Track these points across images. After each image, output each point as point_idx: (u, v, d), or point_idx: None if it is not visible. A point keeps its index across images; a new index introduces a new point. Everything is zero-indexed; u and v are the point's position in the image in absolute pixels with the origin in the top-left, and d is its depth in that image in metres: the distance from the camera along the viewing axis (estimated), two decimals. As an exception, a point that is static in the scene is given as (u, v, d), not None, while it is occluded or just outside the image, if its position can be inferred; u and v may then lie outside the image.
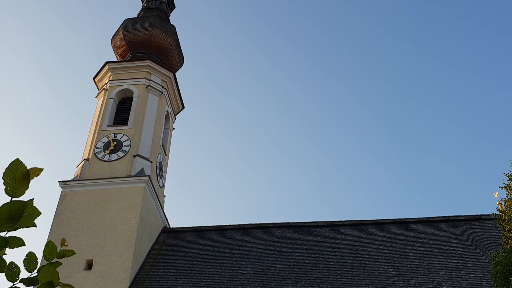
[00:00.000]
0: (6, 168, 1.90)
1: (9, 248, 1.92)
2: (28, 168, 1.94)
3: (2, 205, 1.82)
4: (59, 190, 17.65)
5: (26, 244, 1.95)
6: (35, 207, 1.96)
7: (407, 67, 51.07)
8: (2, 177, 1.88)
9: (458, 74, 49.60)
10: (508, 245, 10.29)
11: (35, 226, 1.93)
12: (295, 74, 53.45)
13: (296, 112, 52.47)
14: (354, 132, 51.25)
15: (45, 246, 1.91)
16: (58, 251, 2.09)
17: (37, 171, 2.01)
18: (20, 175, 1.88)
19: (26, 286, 1.98)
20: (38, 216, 1.98)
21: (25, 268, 2.02)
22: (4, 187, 1.89)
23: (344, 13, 53.05)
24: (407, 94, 50.73)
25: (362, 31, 52.33)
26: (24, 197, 1.93)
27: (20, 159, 1.91)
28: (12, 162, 1.90)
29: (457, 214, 18.34)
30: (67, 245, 2.33)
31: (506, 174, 10.89)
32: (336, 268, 15.44)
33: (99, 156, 18.64)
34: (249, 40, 55.16)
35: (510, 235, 10.26)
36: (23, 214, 1.84)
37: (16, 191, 1.88)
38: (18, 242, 1.93)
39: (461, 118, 49.36)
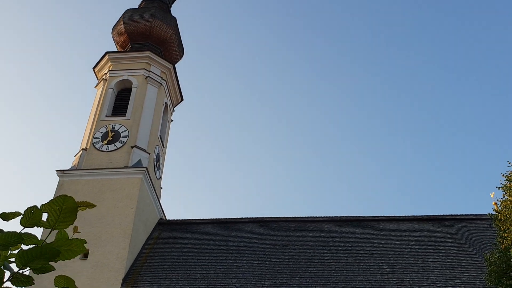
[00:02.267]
0: (52, 199, 1.82)
1: (24, 244, 1.86)
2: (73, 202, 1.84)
3: (33, 248, 1.74)
4: (56, 179, 17.65)
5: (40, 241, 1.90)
6: (79, 242, 1.88)
7: (406, 64, 51.03)
8: (47, 207, 1.80)
9: (456, 74, 49.60)
10: (503, 245, 10.35)
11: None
12: (295, 68, 53.38)
13: (294, 107, 52.46)
14: (352, 129, 51.31)
15: (57, 233, 1.86)
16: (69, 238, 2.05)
17: (90, 205, 1.96)
18: (67, 208, 1.80)
19: (36, 273, 1.94)
20: (82, 253, 1.92)
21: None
22: (47, 216, 1.81)
23: None
24: (404, 92, 50.74)
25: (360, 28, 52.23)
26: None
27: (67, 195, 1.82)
28: (59, 196, 1.82)
29: (453, 213, 18.43)
30: (79, 232, 2.29)
31: (503, 175, 10.94)
32: (331, 263, 15.50)
33: (97, 146, 18.62)
34: (250, 33, 55.04)
35: (505, 235, 10.31)
36: (58, 256, 1.76)
37: (58, 224, 1.81)
38: (33, 240, 1.85)
39: (458, 118, 49.43)
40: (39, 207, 1.83)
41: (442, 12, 49.10)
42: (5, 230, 1.84)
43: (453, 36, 49.65)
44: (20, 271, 1.83)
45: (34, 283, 1.90)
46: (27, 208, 1.81)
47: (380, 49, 51.40)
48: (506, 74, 48.36)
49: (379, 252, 16.01)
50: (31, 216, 1.81)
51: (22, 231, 1.83)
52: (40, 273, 1.91)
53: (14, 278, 1.84)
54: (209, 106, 52.62)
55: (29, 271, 1.89)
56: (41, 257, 1.73)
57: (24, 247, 1.78)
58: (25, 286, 1.86)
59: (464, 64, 49.68)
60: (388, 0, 50.28)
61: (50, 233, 1.81)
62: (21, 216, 1.83)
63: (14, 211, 1.89)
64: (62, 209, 1.80)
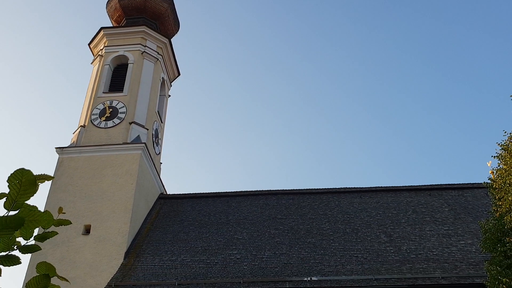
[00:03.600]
0: (11, 174, 1.86)
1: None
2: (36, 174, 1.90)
3: None
4: (56, 156, 17.76)
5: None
6: (42, 213, 1.94)
7: (405, 29, 50.57)
8: (7, 181, 1.85)
9: (456, 41, 49.21)
10: (498, 213, 10.52)
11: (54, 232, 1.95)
12: (292, 38, 52.88)
13: (292, 79, 52.21)
14: (348, 99, 51.18)
15: (6, 198, 1.93)
16: (55, 219, 2.13)
17: (48, 178, 2.01)
18: (26, 181, 1.86)
19: (22, 253, 1.99)
20: (47, 223, 1.98)
21: (21, 236, 2.06)
22: (8, 190, 1.86)
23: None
24: (403, 60, 50.41)
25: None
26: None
27: (25, 168, 1.87)
28: (16, 170, 1.87)
29: (450, 183, 18.62)
30: (64, 213, 2.36)
31: (499, 144, 11.01)
32: (329, 233, 15.77)
33: (95, 123, 18.66)
34: (246, 4, 54.27)
35: (500, 203, 10.47)
36: (22, 225, 1.83)
37: (20, 196, 1.87)
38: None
39: (455, 86, 49.27)
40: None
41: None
42: None
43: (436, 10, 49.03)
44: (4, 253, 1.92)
45: (21, 263, 1.98)
46: (7, 196, 1.87)
47: (388, 11, 50.82)
48: (506, 45, 47.98)
49: (376, 222, 16.27)
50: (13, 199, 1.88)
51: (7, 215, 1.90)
52: (27, 253, 1.99)
53: (2, 258, 1.92)
54: (207, 80, 52.37)
55: (16, 251, 1.98)
56: (7, 227, 1.80)
57: None
58: (13, 265, 1.95)
59: (467, 30, 49.23)
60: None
61: (12, 205, 1.88)
62: (5, 200, 1.90)
63: (3, 192, 1.95)
64: (22, 182, 1.86)
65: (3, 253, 1.96)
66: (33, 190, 1.87)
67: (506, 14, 47.19)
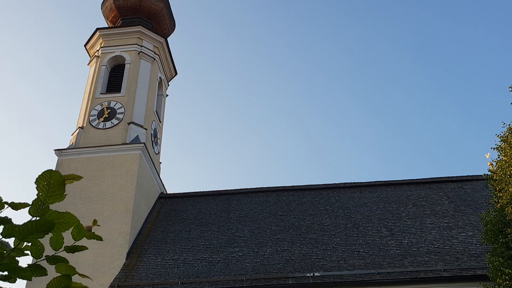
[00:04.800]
0: (39, 175, 1.84)
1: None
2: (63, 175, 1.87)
3: (28, 222, 1.78)
4: (55, 158, 17.74)
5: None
6: (71, 215, 1.93)
7: (402, 25, 50.55)
8: (35, 183, 1.82)
9: (453, 33, 49.21)
10: (499, 204, 10.54)
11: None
12: (289, 37, 52.82)
13: (289, 76, 52.18)
14: (346, 94, 51.21)
15: (35, 200, 1.91)
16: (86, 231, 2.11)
17: (76, 177, 2.00)
18: (54, 182, 1.83)
19: (49, 264, 1.98)
20: (75, 224, 1.95)
21: (51, 245, 2.03)
22: (37, 192, 1.84)
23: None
24: (400, 54, 50.42)
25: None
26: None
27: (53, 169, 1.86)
28: (44, 171, 1.85)
29: (449, 175, 18.66)
30: (99, 225, 2.34)
31: (498, 135, 11.04)
32: (330, 229, 15.79)
33: (94, 124, 18.63)
34: (242, 2, 54.17)
35: (501, 194, 10.50)
36: (52, 228, 1.81)
37: (49, 198, 1.85)
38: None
39: (454, 79, 49.29)
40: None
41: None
42: (13, 219, 1.90)
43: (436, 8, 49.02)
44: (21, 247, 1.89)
45: (47, 275, 1.98)
46: (35, 199, 1.86)
47: (384, 7, 50.79)
48: (502, 37, 48.01)
49: (377, 217, 16.30)
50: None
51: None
52: (53, 264, 1.98)
53: (30, 268, 1.91)
54: (204, 79, 52.31)
55: (44, 260, 1.97)
56: (37, 230, 1.79)
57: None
58: (40, 276, 1.95)
59: (463, 23, 49.21)
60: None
61: (41, 207, 1.86)
62: (30, 206, 1.88)
63: (22, 202, 1.93)
64: (50, 183, 1.84)
65: (32, 262, 1.95)
66: (61, 191, 1.85)
67: (503, 8, 47.20)
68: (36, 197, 1.84)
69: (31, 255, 1.98)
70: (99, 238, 2.10)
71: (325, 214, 16.80)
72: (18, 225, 1.80)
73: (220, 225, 16.72)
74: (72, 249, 2.03)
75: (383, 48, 50.38)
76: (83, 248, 2.07)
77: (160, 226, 16.97)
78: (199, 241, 15.76)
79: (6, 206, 1.90)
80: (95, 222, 2.27)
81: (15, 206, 1.90)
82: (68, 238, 2.06)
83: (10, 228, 1.79)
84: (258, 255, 14.62)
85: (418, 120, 48.91)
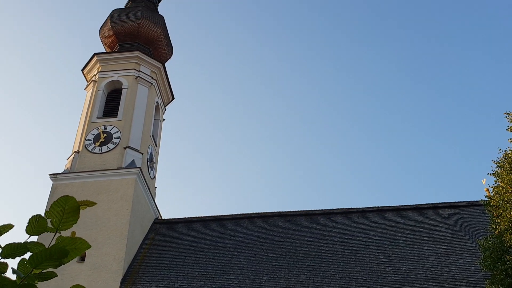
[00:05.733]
0: (54, 202, 1.83)
1: (31, 253, 1.87)
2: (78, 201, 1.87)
3: (42, 250, 1.76)
4: (50, 183, 17.58)
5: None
6: (83, 240, 1.91)
7: (398, 55, 51.25)
8: (50, 209, 1.82)
9: (448, 61, 49.90)
10: (497, 231, 10.48)
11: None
12: (287, 62, 53.38)
13: (285, 102, 52.51)
14: (344, 120, 51.48)
15: (56, 239, 1.89)
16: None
17: (90, 203, 1.98)
18: (69, 209, 1.83)
19: (39, 281, 1.94)
20: (87, 249, 1.92)
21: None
22: (51, 218, 1.83)
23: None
24: (397, 81, 50.98)
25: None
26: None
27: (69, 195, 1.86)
28: (60, 197, 1.84)
29: (446, 201, 18.60)
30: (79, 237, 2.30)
31: (494, 161, 11.07)
32: (328, 256, 15.62)
33: (90, 148, 18.56)
34: (239, 29, 54.92)
35: (499, 220, 10.44)
36: (66, 256, 1.79)
37: (62, 224, 1.84)
38: (39, 247, 1.85)
39: (450, 106, 49.75)
40: (43, 216, 1.86)
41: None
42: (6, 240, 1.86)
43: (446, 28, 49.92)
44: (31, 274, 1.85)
45: (57, 275, 1.93)
46: (32, 216, 1.83)
47: (382, 34, 51.57)
48: (499, 64, 48.76)
49: (374, 243, 16.16)
50: (36, 224, 1.84)
51: (28, 240, 1.85)
52: (43, 280, 1.92)
53: (38, 275, 1.87)
54: (201, 104, 52.57)
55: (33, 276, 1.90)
56: (51, 258, 1.76)
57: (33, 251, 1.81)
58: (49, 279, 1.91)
59: (456, 53, 49.97)
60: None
61: (55, 235, 1.83)
62: (27, 224, 1.85)
63: (5, 224, 1.89)
64: (65, 209, 1.83)
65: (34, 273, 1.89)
66: (75, 218, 1.83)
67: (498, 34, 48.09)
68: (49, 223, 1.82)
69: (27, 268, 1.92)
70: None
71: (322, 241, 16.63)
72: (32, 254, 1.77)
73: (215, 251, 16.50)
74: (44, 278, 1.96)
75: (380, 74, 50.96)
76: (53, 275, 1.99)
77: (154, 253, 16.73)
78: (194, 268, 15.52)
79: None
80: (73, 233, 2.22)
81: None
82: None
83: (9, 248, 1.76)
84: (254, 283, 14.39)
85: (415, 146, 49.13)
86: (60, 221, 1.83)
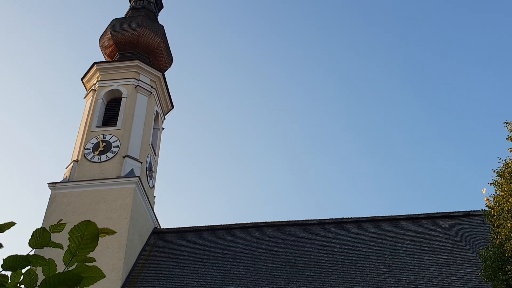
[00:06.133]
0: (75, 226, 1.81)
1: (32, 266, 1.84)
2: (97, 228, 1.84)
3: (56, 275, 1.73)
4: (48, 192, 17.50)
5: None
6: (99, 269, 1.89)
7: (398, 65, 51.39)
8: (69, 233, 1.79)
9: (448, 71, 50.04)
10: (497, 240, 10.40)
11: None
12: (283, 72, 53.50)
13: (284, 111, 52.56)
14: (344, 130, 51.49)
15: (66, 251, 1.85)
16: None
17: (110, 232, 1.95)
18: (88, 234, 1.80)
19: None
20: (101, 279, 1.88)
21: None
22: (69, 243, 1.81)
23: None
24: (397, 92, 51.07)
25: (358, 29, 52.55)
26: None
27: (90, 220, 1.83)
28: (81, 222, 1.82)
29: (446, 211, 18.53)
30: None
31: (494, 171, 11.01)
32: (328, 266, 15.50)
33: (89, 157, 18.51)
34: (238, 38, 55.12)
35: (499, 230, 10.37)
36: (80, 283, 1.75)
37: (80, 250, 1.81)
38: (41, 261, 1.83)
39: (449, 115, 49.81)
40: (47, 229, 1.83)
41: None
42: (2, 241, 1.84)
43: (451, 30, 50.12)
44: None
45: None
46: (36, 229, 1.81)
47: (381, 48, 51.74)
48: (498, 71, 48.90)
49: (375, 253, 16.05)
50: (39, 238, 1.81)
51: (31, 253, 1.83)
52: None
53: None
54: (200, 113, 52.60)
55: None
56: (64, 283, 1.72)
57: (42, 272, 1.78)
58: None
59: (456, 60, 50.14)
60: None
61: (70, 260, 1.79)
62: (30, 237, 1.83)
63: (8, 222, 1.87)
64: (84, 235, 1.80)
65: None
66: (94, 245, 1.80)
67: (497, 44, 48.29)
68: (67, 247, 1.79)
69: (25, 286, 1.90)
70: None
71: (322, 251, 16.52)
72: (46, 278, 1.73)
73: (214, 261, 16.38)
74: None
75: (381, 84, 51.06)
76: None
77: (153, 262, 16.61)
78: (193, 278, 15.39)
79: None
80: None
81: (1, 228, 1.83)
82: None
83: (10, 260, 1.73)
84: (253, 293, 14.26)
85: (415, 156, 49.10)
86: (78, 246, 1.79)
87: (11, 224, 1.88)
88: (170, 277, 15.60)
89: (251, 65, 54.28)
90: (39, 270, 1.90)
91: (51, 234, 1.85)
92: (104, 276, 1.91)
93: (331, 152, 51.33)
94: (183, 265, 16.31)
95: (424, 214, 18.43)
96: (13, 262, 1.74)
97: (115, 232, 2.00)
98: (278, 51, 53.88)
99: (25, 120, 51.28)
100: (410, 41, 50.58)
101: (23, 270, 1.85)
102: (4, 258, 1.78)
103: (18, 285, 1.84)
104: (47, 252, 2.14)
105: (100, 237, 1.86)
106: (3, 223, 1.88)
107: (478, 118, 49.29)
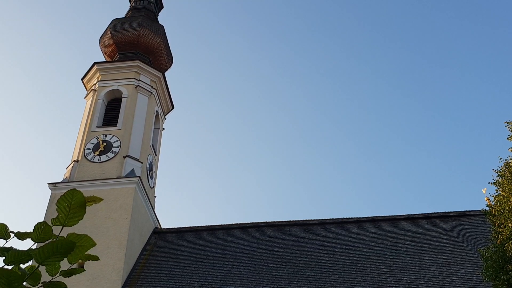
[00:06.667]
0: (61, 196, 1.82)
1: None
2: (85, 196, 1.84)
3: (49, 243, 1.74)
4: (48, 192, 17.51)
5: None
6: (89, 237, 1.89)
7: (398, 65, 51.38)
8: (56, 204, 1.80)
9: (448, 70, 50.03)
10: (498, 240, 10.39)
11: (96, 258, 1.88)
12: (283, 73, 53.51)
13: (284, 111, 52.55)
14: (344, 130, 51.48)
15: (55, 221, 1.85)
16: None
17: (96, 200, 1.95)
18: (75, 203, 1.80)
19: (65, 276, 1.94)
20: (92, 247, 1.89)
21: (47, 272, 1.96)
22: (57, 214, 1.80)
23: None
24: (397, 91, 51.04)
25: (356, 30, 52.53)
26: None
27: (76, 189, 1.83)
28: (67, 191, 1.82)
29: (447, 211, 18.52)
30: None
31: (495, 170, 11.00)
32: (328, 266, 15.49)
33: (89, 157, 18.50)
34: (238, 39, 55.12)
35: (500, 230, 10.36)
36: (72, 250, 1.76)
37: (68, 220, 1.80)
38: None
39: (450, 114, 49.80)
40: (48, 223, 1.84)
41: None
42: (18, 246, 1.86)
43: (453, 33, 50.12)
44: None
45: (66, 286, 1.90)
46: (37, 223, 1.81)
47: (380, 48, 51.75)
48: (498, 72, 48.88)
49: (375, 253, 16.04)
50: (41, 232, 1.81)
51: (33, 247, 1.83)
52: (68, 276, 1.92)
53: (48, 285, 1.84)
54: (201, 113, 52.60)
55: (41, 287, 1.89)
56: (57, 252, 1.73)
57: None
58: None
59: (456, 61, 50.15)
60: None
61: (61, 230, 1.80)
62: (32, 231, 1.84)
63: (29, 231, 1.88)
64: (71, 204, 1.79)
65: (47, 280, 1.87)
66: (81, 213, 1.81)
67: (494, 43, 48.28)
68: (56, 218, 1.79)
69: (28, 284, 1.90)
70: (95, 258, 2.03)
71: (323, 250, 16.51)
72: (39, 248, 1.74)
73: (215, 261, 16.37)
74: (69, 273, 1.94)
75: (378, 86, 51.06)
76: (80, 270, 2.00)
77: (154, 262, 16.60)
78: (194, 278, 15.39)
79: (12, 235, 1.87)
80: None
81: (21, 235, 1.86)
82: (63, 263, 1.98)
83: (12, 255, 1.73)
84: (254, 293, 14.25)
85: (416, 156, 49.09)
86: (67, 216, 1.79)
87: (31, 234, 1.89)
88: (171, 277, 15.59)
89: (251, 65, 54.33)
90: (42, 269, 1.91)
91: (52, 227, 1.85)
92: (95, 244, 1.92)
93: (331, 152, 51.35)
94: (183, 265, 16.31)
95: (424, 214, 18.41)
96: (15, 257, 1.75)
97: (102, 199, 2.00)
98: (278, 52, 53.93)
99: (25, 120, 51.32)
100: (411, 40, 50.59)
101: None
102: (6, 253, 1.78)
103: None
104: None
105: (87, 206, 1.86)
106: (25, 232, 1.89)
107: (479, 118, 49.32)
